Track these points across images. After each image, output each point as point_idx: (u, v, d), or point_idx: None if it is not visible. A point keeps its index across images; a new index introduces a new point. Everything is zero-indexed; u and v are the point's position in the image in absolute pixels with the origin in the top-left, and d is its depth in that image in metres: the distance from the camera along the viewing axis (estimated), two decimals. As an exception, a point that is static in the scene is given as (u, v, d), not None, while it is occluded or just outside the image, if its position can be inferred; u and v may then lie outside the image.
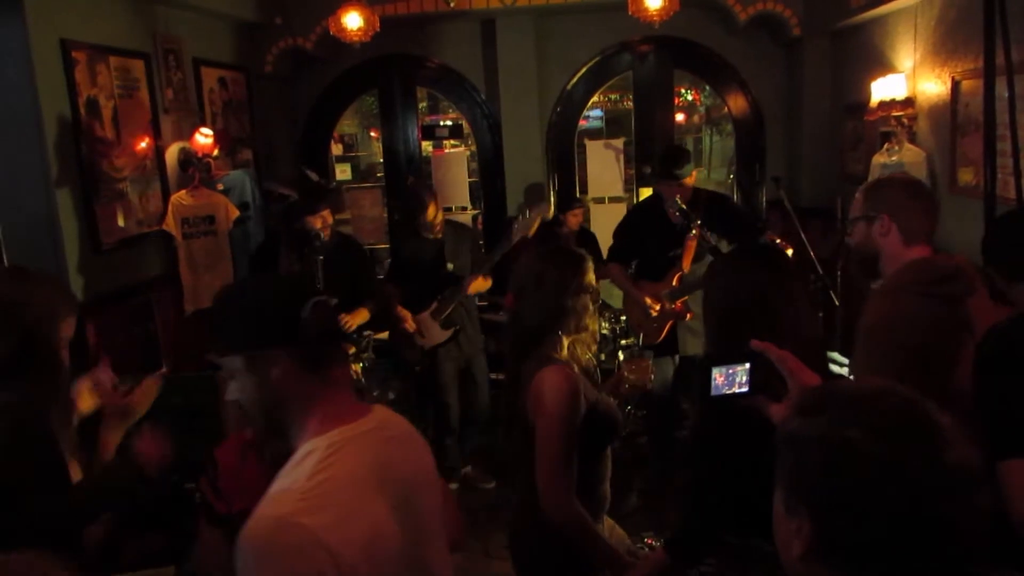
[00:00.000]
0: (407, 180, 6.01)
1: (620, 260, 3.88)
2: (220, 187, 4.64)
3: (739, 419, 1.39)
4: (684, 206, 3.58)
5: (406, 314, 3.95)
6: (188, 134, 4.55)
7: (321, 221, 3.50)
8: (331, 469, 1.16)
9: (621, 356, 4.50)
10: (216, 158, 4.62)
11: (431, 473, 1.40)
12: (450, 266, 3.91)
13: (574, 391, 1.86)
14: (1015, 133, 2.83)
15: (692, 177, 3.66)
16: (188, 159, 4.44)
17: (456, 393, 4.10)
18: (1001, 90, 2.85)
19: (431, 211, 3.77)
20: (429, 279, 3.93)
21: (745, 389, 1.30)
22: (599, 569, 1.95)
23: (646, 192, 5.48)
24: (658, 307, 3.69)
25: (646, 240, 3.82)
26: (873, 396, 0.88)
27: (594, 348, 2.10)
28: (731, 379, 1.31)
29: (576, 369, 1.98)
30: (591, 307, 1.98)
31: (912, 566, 0.81)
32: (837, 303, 4.03)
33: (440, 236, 3.91)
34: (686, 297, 3.65)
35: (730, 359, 1.30)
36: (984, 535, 0.83)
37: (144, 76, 4.19)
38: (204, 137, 4.50)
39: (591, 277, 1.99)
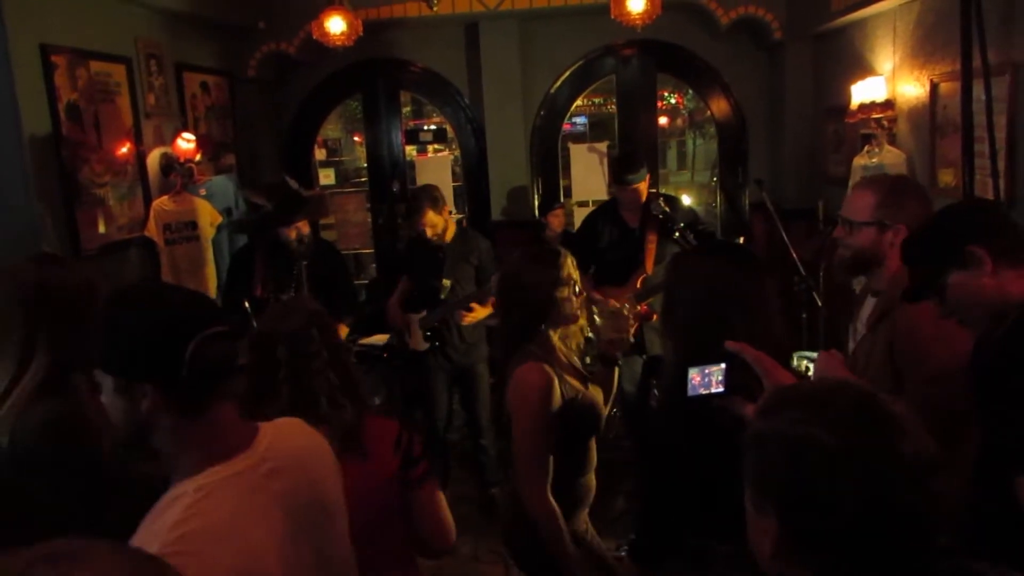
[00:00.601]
0: (391, 185, 5.99)
1: (579, 268, 3.87)
2: (203, 192, 4.60)
3: (692, 422, 1.40)
4: (667, 208, 3.61)
5: (396, 311, 3.95)
6: (170, 139, 4.52)
7: (296, 232, 3.47)
8: (195, 520, 1.06)
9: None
10: (198, 163, 4.59)
11: (335, 492, 1.33)
12: (447, 282, 3.85)
13: (546, 386, 1.91)
14: (992, 134, 2.87)
15: (646, 181, 3.70)
16: (170, 164, 4.41)
17: (444, 402, 4.08)
18: (978, 92, 2.89)
19: (429, 216, 3.73)
20: (426, 285, 3.91)
21: (721, 389, 1.31)
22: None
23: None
24: (624, 307, 3.71)
25: (604, 245, 3.85)
26: (829, 393, 0.90)
27: (588, 332, 2.15)
28: (707, 379, 1.32)
29: (563, 359, 2.03)
30: (573, 299, 2.04)
31: (877, 556, 0.83)
32: (820, 303, 4.07)
33: (444, 243, 3.85)
34: (651, 299, 3.68)
35: (706, 359, 1.32)
36: (943, 521, 0.84)
37: (125, 80, 4.16)
38: (186, 142, 4.47)
39: (569, 271, 2.05)
